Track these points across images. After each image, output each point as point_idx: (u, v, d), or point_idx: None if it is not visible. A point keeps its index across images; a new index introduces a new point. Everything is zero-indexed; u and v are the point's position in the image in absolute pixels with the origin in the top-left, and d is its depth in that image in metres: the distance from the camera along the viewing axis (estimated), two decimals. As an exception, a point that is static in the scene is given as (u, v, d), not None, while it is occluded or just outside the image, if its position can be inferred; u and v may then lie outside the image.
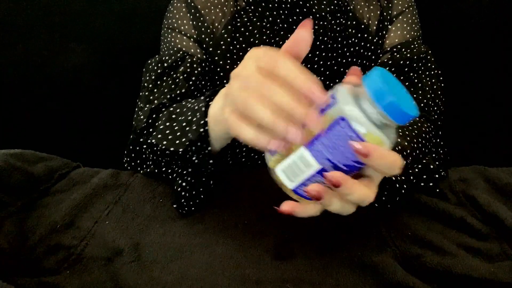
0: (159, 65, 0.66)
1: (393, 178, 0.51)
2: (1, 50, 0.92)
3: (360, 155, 0.33)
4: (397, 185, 0.52)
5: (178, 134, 0.50)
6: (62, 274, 0.46)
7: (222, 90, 0.44)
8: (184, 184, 0.53)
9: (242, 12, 0.69)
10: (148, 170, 0.61)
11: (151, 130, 0.55)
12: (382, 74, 0.34)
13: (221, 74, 0.67)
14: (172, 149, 0.50)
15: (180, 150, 0.49)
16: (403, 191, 0.52)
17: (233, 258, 0.48)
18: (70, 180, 0.59)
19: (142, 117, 0.58)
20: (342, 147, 0.34)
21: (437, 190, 0.57)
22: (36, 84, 0.94)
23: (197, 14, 0.69)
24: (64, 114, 0.97)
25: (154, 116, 0.57)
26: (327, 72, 0.68)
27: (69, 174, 0.61)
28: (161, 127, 0.53)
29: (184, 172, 0.53)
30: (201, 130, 0.46)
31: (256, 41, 0.67)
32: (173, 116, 0.53)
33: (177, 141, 0.50)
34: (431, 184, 0.56)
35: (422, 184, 0.56)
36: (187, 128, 0.49)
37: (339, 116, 0.33)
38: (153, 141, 0.53)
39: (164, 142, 0.51)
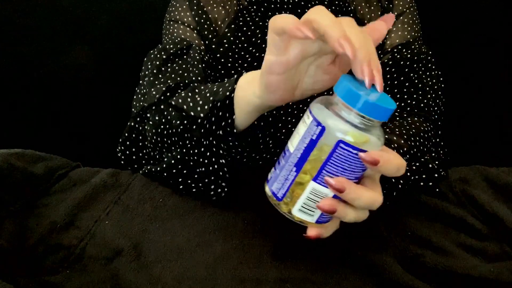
0: (162, 53, 0.66)
1: None
2: (1, 50, 0.92)
3: (370, 164, 0.34)
4: (393, 180, 0.52)
5: (201, 102, 0.49)
6: (62, 274, 0.46)
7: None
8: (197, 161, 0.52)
9: (244, 11, 0.69)
10: (146, 171, 0.61)
11: (162, 107, 0.54)
12: (348, 79, 0.35)
13: (222, 72, 0.67)
14: (192, 113, 0.49)
15: (202, 114, 0.48)
16: (399, 186, 0.52)
17: (233, 258, 0.48)
18: (70, 180, 0.59)
19: (154, 93, 0.57)
20: (349, 167, 0.35)
21: (437, 190, 0.57)
22: (36, 84, 0.94)
23: (200, 11, 0.69)
24: (64, 114, 0.96)
25: (168, 94, 0.56)
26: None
27: (69, 173, 0.61)
28: (183, 94, 0.52)
29: (196, 151, 0.52)
30: (228, 93, 0.45)
31: (258, 41, 0.67)
32: (196, 90, 0.52)
33: (199, 108, 0.49)
34: (431, 184, 0.56)
35: (422, 184, 0.56)
36: (211, 98, 0.48)
37: (336, 141, 0.34)
38: (172, 102, 0.52)
39: (185, 107, 0.50)
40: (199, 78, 0.62)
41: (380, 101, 0.34)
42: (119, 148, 0.63)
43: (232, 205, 0.56)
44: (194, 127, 0.50)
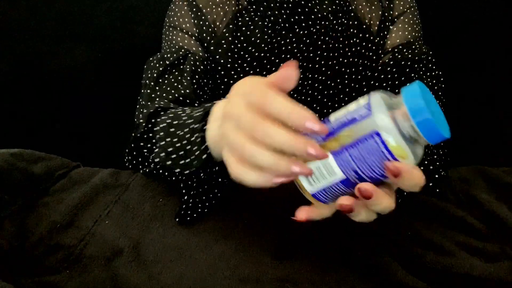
0: (161, 62, 0.66)
1: None
2: (1, 50, 0.92)
3: (390, 174, 0.34)
4: None
5: (181, 153, 0.49)
6: (62, 274, 0.46)
7: (215, 109, 0.43)
8: (187, 195, 0.53)
9: (243, 12, 0.69)
10: (147, 170, 0.61)
11: (151, 135, 0.55)
12: (421, 89, 0.33)
13: (222, 73, 0.67)
14: (178, 170, 0.50)
15: (186, 172, 0.49)
16: (405, 193, 0.52)
17: (233, 258, 0.48)
18: (70, 180, 0.59)
19: (141, 120, 0.58)
20: (371, 161, 0.34)
21: (437, 190, 0.57)
22: (36, 84, 0.94)
23: (199, 13, 0.69)
24: (64, 114, 0.96)
25: (153, 121, 0.57)
26: (329, 72, 0.68)
27: (69, 173, 0.61)
28: (162, 143, 0.52)
29: (189, 182, 0.53)
30: (204, 156, 0.45)
31: (258, 41, 0.67)
32: (171, 129, 0.52)
33: (182, 162, 0.49)
34: (431, 184, 0.56)
35: (422, 184, 0.56)
36: (188, 147, 0.48)
37: (374, 130, 0.33)
38: (157, 159, 0.52)
39: (169, 162, 0.51)
40: (187, 91, 0.63)
41: (439, 124, 0.33)
42: (127, 157, 0.63)
43: (232, 205, 0.56)
44: (180, 176, 0.51)
